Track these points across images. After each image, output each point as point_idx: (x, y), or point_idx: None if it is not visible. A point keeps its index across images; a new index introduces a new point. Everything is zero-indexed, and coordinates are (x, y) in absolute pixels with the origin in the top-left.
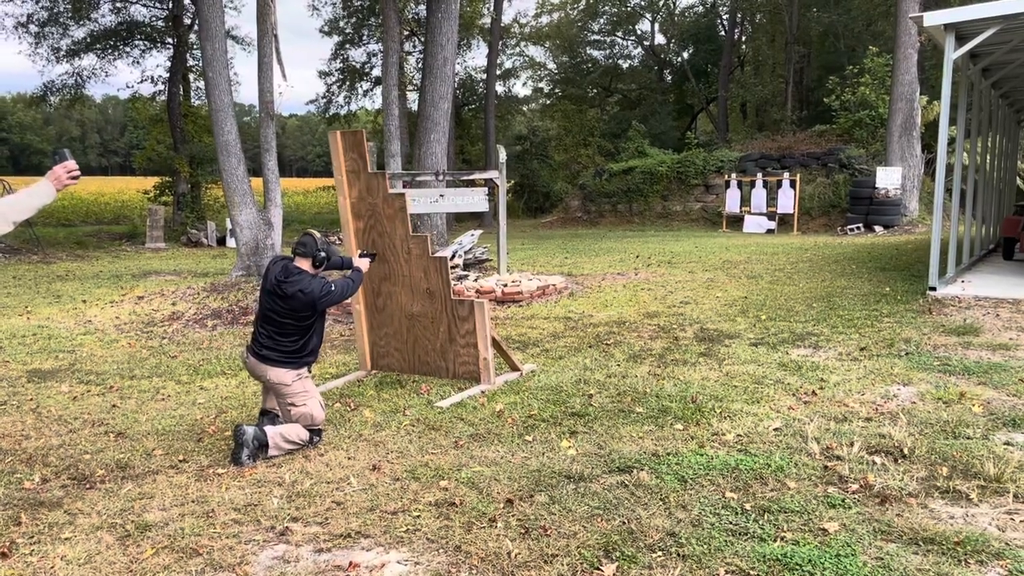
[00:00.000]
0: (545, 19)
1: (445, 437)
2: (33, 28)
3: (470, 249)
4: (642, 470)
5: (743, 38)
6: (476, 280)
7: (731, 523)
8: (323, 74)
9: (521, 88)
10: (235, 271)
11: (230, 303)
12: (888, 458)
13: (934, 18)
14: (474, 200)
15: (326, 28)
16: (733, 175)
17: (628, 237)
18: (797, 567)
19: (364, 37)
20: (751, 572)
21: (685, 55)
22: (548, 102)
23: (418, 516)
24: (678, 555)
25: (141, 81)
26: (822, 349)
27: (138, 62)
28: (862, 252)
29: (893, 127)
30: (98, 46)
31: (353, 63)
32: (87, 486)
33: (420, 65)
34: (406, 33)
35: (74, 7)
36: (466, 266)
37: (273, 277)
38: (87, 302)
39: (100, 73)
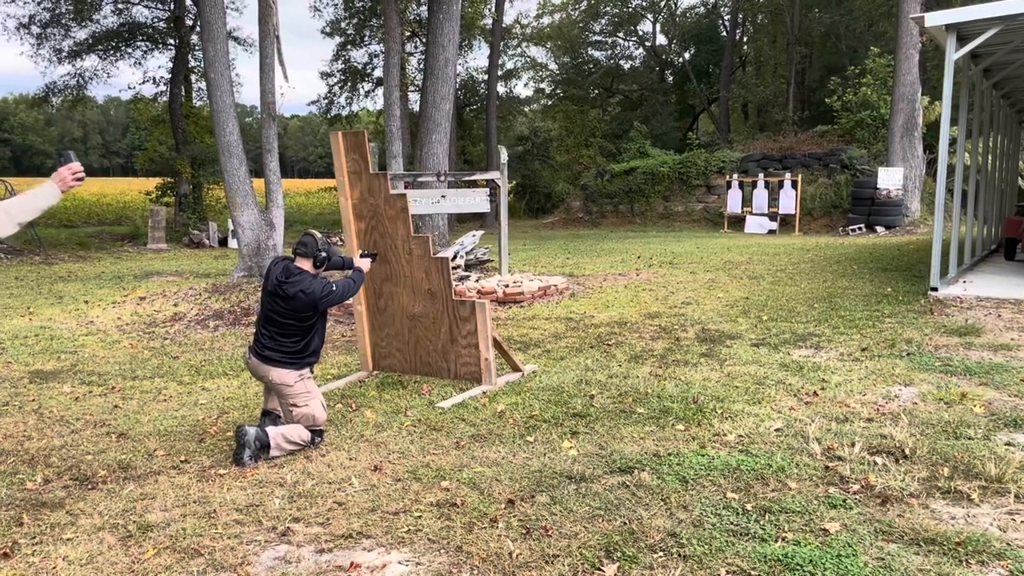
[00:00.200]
0: (546, 20)
1: (447, 438)
2: (35, 29)
3: (471, 250)
4: (643, 470)
5: (745, 39)
6: (477, 281)
7: (732, 523)
8: (325, 75)
9: (522, 89)
10: (237, 272)
11: (232, 304)
12: (889, 458)
13: (935, 19)
14: (476, 201)
15: (328, 29)
16: (735, 176)
17: (629, 238)
18: (798, 567)
19: (366, 38)
20: (752, 572)
21: (687, 56)
22: (549, 103)
23: (419, 516)
24: (679, 555)
25: (143, 82)
26: (823, 350)
27: (140, 63)
28: (864, 253)
29: (895, 127)
30: (100, 47)
31: (355, 64)
32: (89, 487)
33: (422, 66)
34: (408, 34)
35: (76, 8)
36: (467, 267)
37: (274, 278)
38: (89, 303)
39: (102, 74)
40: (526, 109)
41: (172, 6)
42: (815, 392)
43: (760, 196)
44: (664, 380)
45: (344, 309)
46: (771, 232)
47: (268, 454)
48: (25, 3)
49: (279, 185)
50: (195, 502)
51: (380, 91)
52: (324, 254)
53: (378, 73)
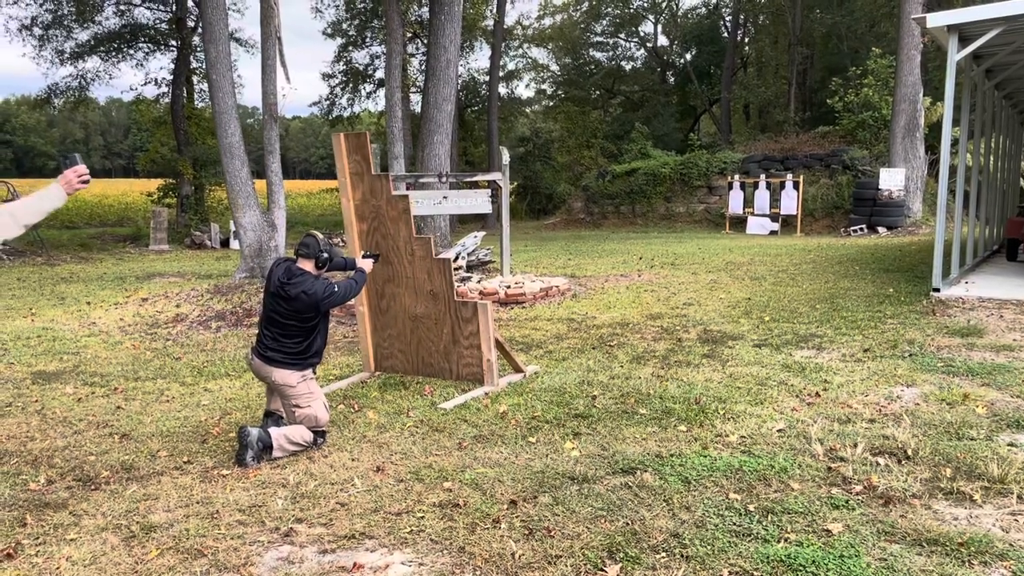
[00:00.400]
0: (548, 21)
1: (449, 438)
2: (37, 31)
3: (473, 251)
4: (646, 471)
5: (746, 39)
6: (479, 282)
7: (735, 524)
8: (326, 76)
9: (524, 90)
10: (239, 273)
11: (234, 305)
12: (892, 459)
13: (937, 19)
14: (477, 202)
15: (329, 30)
16: (736, 176)
17: (631, 238)
18: (801, 568)
19: (367, 39)
20: (755, 573)
21: (688, 56)
22: (551, 104)
23: (422, 517)
24: (682, 556)
25: (145, 83)
26: (825, 350)
27: (142, 64)
28: (865, 253)
29: (896, 128)
30: (102, 49)
31: (356, 65)
32: (92, 487)
33: (423, 67)
34: (409, 35)
35: (78, 10)
36: (469, 268)
37: (276, 279)
38: (91, 304)
39: (104, 75)
40: (527, 110)
41: (174, 8)
42: (817, 393)
43: (762, 197)
44: (666, 381)
45: (346, 310)
46: (773, 233)
47: (271, 455)
48: (27, 5)
49: (281, 186)
50: (198, 503)
51: (382, 92)
52: (326, 255)
53: (380, 74)
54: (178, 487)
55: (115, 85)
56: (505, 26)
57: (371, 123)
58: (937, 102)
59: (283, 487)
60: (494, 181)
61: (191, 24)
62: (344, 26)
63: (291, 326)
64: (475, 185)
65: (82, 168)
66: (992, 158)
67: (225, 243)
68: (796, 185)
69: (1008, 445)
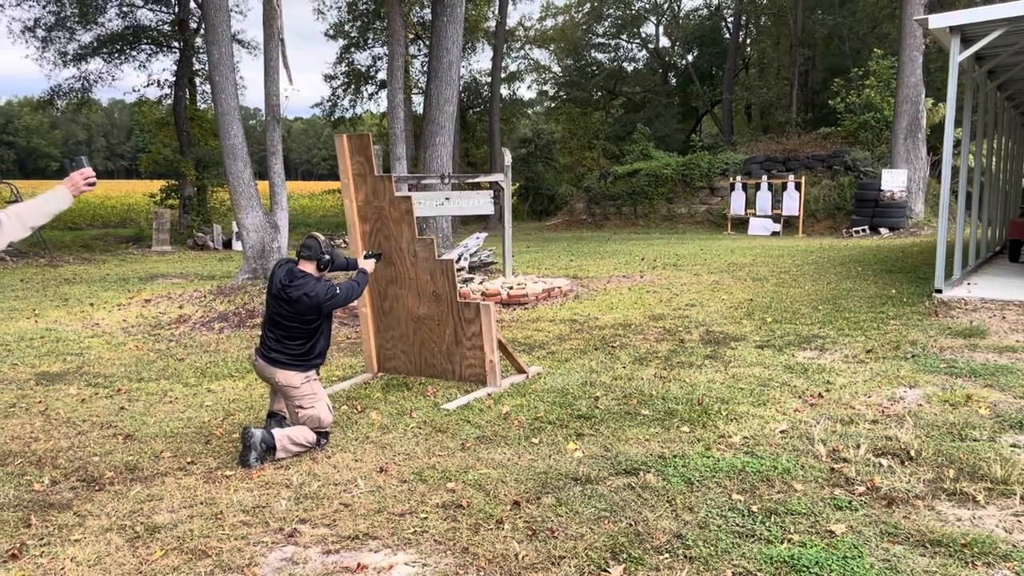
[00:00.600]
0: (549, 22)
1: (452, 439)
2: (40, 32)
3: (475, 252)
4: (648, 472)
5: (748, 41)
6: (481, 283)
7: (738, 525)
8: (328, 77)
9: (526, 91)
10: (241, 274)
11: (237, 306)
12: (895, 460)
13: (940, 20)
14: (479, 203)
15: (331, 32)
16: (738, 177)
17: (633, 240)
18: (804, 569)
19: (369, 41)
20: (758, 574)
21: (690, 58)
22: (553, 105)
23: (425, 518)
24: (685, 557)
25: (147, 85)
26: (828, 351)
27: (144, 66)
28: (868, 254)
29: (898, 129)
30: (105, 50)
31: (358, 67)
32: (96, 488)
33: (425, 68)
34: (411, 37)
35: (81, 12)
36: (471, 269)
37: (278, 281)
38: (94, 305)
39: (107, 77)
40: (529, 111)
41: (177, 9)
42: (820, 394)
43: (763, 198)
44: (669, 382)
45: (349, 311)
46: (775, 234)
47: (274, 456)
48: (30, 6)
49: (283, 187)
50: (202, 503)
51: (384, 94)
52: (327, 257)
53: (382, 76)
54: (182, 488)
55: (118, 87)
56: (507, 27)
57: (373, 124)
58: (939, 103)
59: (287, 488)
60: (496, 182)
61: (193, 26)
62: (346, 27)
63: (294, 328)
64: (477, 186)
65: (88, 170)
66: (994, 159)
67: (227, 244)
68: (798, 186)
69: (1011, 446)
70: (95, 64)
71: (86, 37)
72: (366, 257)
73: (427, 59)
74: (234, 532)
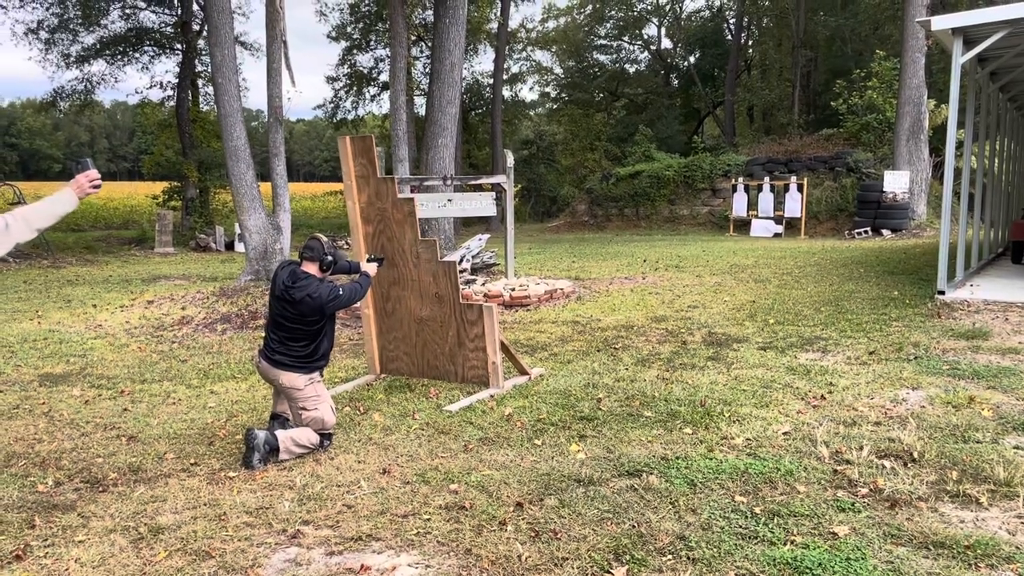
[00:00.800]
0: (552, 24)
1: (454, 441)
2: (43, 34)
3: (478, 253)
4: (651, 474)
5: (750, 42)
6: (484, 284)
7: (741, 527)
8: (331, 79)
9: (528, 93)
10: (244, 275)
11: (239, 307)
12: (898, 462)
13: (942, 22)
14: (482, 204)
15: (334, 34)
16: (740, 179)
17: (635, 241)
18: (807, 571)
19: (372, 42)
20: None
21: (692, 59)
22: (555, 107)
23: (428, 519)
24: (688, 559)
25: (150, 87)
26: (831, 353)
27: (147, 68)
28: (870, 256)
29: (901, 131)
30: (108, 52)
31: (361, 68)
32: (100, 489)
33: (427, 70)
34: (413, 38)
35: (84, 14)
36: (474, 270)
37: (281, 283)
38: (97, 306)
39: (109, 79)
40: (531, 113)
41: (179, 11)
42: (823, 396)
43: (766, 199)
44: (671, 383)
45: (352, 313)
46: (777, 235)
47: (277, 457)
48: (34, 8)
49: (286, 189)
50: (205, 505)
51: (386, 95)
52: (330, 258)
53: (384, 77)
54: (185, 489)
55: (120, 88)
56: (509, 29)
57: (375, 126)
58: (941, 104)
59: (290, 489)
60: (498, 184)
61: (196, 28)
62: (348, 29)
63: (297, 329)
64: (479, 188)
65: (94, 173)
66: (997, 160)
67: (230, 246)
68: (800, 188)
69: (1014, 448)
70: (98, 66)
71: (89, 39)
72: (369, 260)
73: (429, 61)
74: (237, 533)
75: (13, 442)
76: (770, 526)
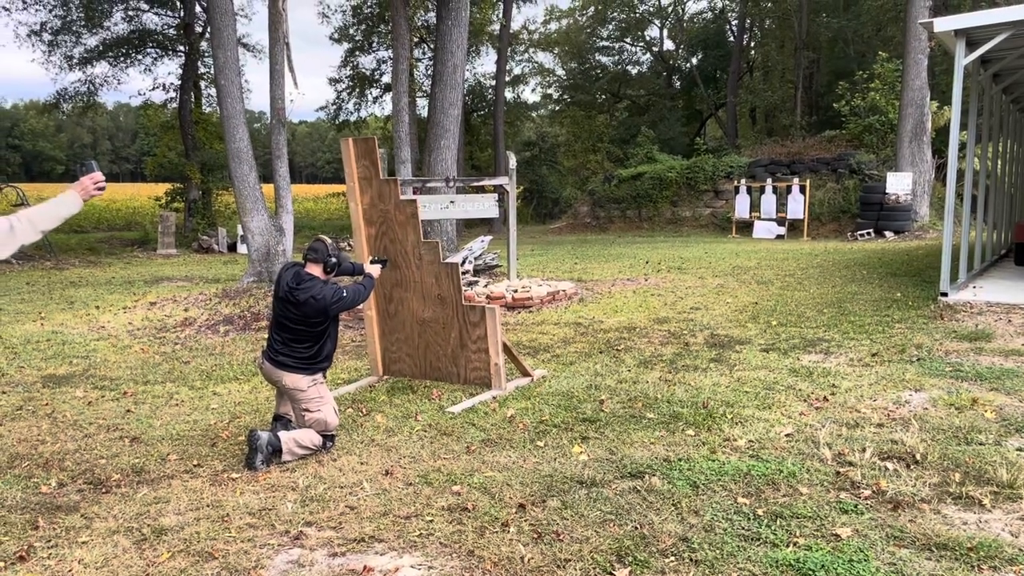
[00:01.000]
0: (554, 25)
1: (457, 442)
2: (46, 36)
3: (480, 255)
4: (654, 475)
5: (752, 44)
6: (486, 286)
7: (743, 528)
8: (333, 81)
9: (530, 94)
10: (246, 277)
11: (242, 309)
12: (900, 464)
13: (944, 24)
14: (484, 206)
15: (336, 35)
16: (743, 181)
17: (637, 243)
18: (810, 573)
19: (374, 44)
20: None
21: (694, 61)
22: (557, 108)
23: (431, 521)
24: (691, 560)
25: (153, 88)
26: (833, 355)
27: (150, 70)
28: (873, 258)
29: (903, 132)
30: (110, 54)
31: (363, 70)
32: (103, 490)
33: (430, 72)
34: (416, 40)
35: (87, 16)
36: (476, 272)
37: (285, 284)
38: (100, 308)
39: (112, 81)
40: (533, 114)
41: (182, 13)
42: (825, 397)
43: (768, 201)
44: (674, 385)
45: (354, 314)
46: (779, 237)
47: (280, 458)
48: (37, 10)
49: (288, 190)
50: (208, 506)
51: (388, 97)
52: (334, 260)
53: (386, 79)
54: (188, 490)
55: (123, 90)
56: (511, 31)
57: (377, 128)
58: (944, 106)
59: (292, 490)
60: (501, 185)
61: (199, 29)
62: (351, 31)
63: (301, 331)
64: (482, 189)
65: (98, 175)
66: (1000, 162)
67: (232, 247)
68: (803, 189)
69: (1017, 450)
70: (101, 68)
71: (92, 41)
72: (372, 262)
73: (432, 63)
74: (240, 534)
75: (16, 443)
76: (773, 528)
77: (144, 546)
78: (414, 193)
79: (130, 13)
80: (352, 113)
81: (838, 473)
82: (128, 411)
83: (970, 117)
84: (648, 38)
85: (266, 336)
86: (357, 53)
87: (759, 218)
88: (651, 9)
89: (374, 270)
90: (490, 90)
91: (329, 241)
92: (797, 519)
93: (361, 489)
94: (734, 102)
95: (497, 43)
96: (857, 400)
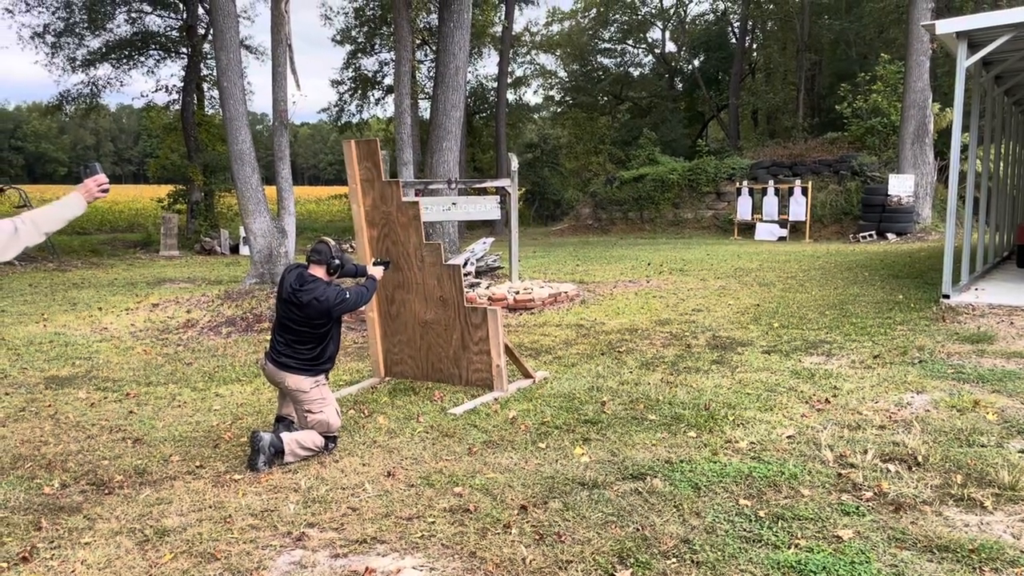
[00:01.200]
0: (556, 27)
1: (459, 444)
2: (49, 38)
3: (482, 257)
4: (655, 477)
5: (754, 45)
6: (488, 288)
7: (745, 530)
8: (335, 83)
9: (532, 96)
10: (249, 279)
11: (244, 311)
12: (902, 466)
13: (946, 26)
14: (486, 208)
15: (338, 37)
16: (745, 182)
17: (639, 245)
18: (811, 574)
19: (376, 46)
20: None
21: (696, 63)
22: (559, 110)
23: (433, 522)
24: (692, 562)
25: (155, 90)
26: (835, 357)
27: (153, 72)
28: (875, 260)
29: (905, 134)
30: (113, 56)
31: (365, 72)
32: (106, 491)
33: (432, 74)
34: (418, 42)
35: (90, 18)
36: (478, 274)
37: (288, 286)
38: (103, 309)
39: (115, 82)
40: (535, 116)
41: (185, 15)
42: (827, 399)
43: (770, 203)
44: (675, 387)
45: (356, 316)
46: (781, 239)
47: (282, 460)
48: (40, 13)
49: (291, 192)
50: (211, 507)
51: (390, 99)
52: (337, 261)
53: (388, 81)
54: (191, 491)
55: (126, 92)
56: (513, 33)
57: (380, 129)
58: (946, 108)
59: (295, 492)
60: (503, 187)
61: (201, 31)
62: (353, 33)
63: (304, 332)
64: (484, 191)
65: (102, 177)
66: (1002, 164)
67: (235, 249)
68: (805, 191)
69: (1019, 452)
70: (104, 69)
71: (95, 43)
72: (375, 264)
73: (434, 64)
74: (243, 536)
75: (19, 444)
76: (774, 530)
77: (147, 547)
78: (416, 195)
79: (133, 15)
80: (354, 115)
81: (840, 475)
82: (131, 412)
83: (972, 119)
84: (650, 40)
85: (268, 338)
86: (359, 55)
87: (761, 220)
88: (653, 11)
89: (377, 272)
90: (492, 92)
91: (332, 243)
92: (799, 521)
93: (363, 490)
94: (736, 104)
95: (499, 45)
96: (859, 402)
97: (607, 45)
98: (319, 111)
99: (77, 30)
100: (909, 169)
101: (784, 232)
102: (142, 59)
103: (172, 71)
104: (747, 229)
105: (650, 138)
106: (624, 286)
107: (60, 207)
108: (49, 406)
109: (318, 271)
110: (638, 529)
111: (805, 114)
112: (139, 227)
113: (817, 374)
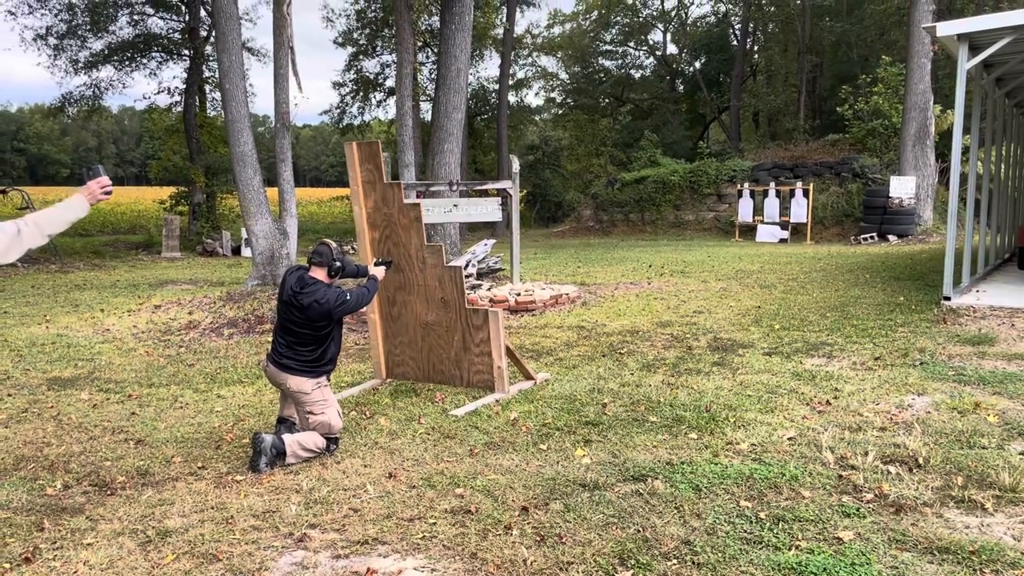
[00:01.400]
0: (557, 30)
1: (460, 445)
2: (52, 40)
3: (483, 259)
4: (656, 479)
5: (755, 48)
6: (490, 289)
7: (746, 532)
8: (337, 85)
9: (533, 98)
10: (250, 280)
11: (246, 312)
12: (903, 467)
13: (948, 28)
14: (487, 210)
15: (340, 40)
16: (746, 184)
17: (640, 246)
18: None
19: (378, 48)
20: None
21: (697, 65)
22: (560, 112)
23: (434, 523)
24: (693, 563)
25: (158, 92)
26: (836, 359)
27: (155, 74)
28: (876, 261)
29: (907, 136)
30: (115, 58)
31: (367, 74)
32: (108, 492)
33: (433, 76)
34: (419, 44)
35: (92, 20)
36: (479, 275)
37: (289, 288)
38: (105, 311)
39: (117, 84)
40: (537, 118)
41: (187, 17)
42: (828, 401)
43: (771, 205)
44: (676, 389)
45: (358, 317)
46: (782, 241)
47: (284, 461)
48: (43, 15)
49: (292, 194)
50: (213, 508)
51: (392, 101)
52: (338, 263)
53: (390, 83)
54: (193, 492)
55: (128, 94)
56: (515, 35)
57: (381, 131)
58: (947, 110)
59: (296, 493)
60: (504, 189)
61: (204, 34)
62: (355, 35)
63: (305, 334)
64: (485, 193)
65: (105, 179)
66: (1003, 166)
67: (236, 251)
68: (806, 193)
69: (1019, 454)
70: (106, 72)
71: (97, 45)
72: (376, 264)
73: (435, 66)
74: (245, 537)
75: (22, 445)
76: (775, 531)
77: (149, 548)
78: (417, 197)
79: (135, 17)
80: (356, 117)
81: (840, 477)
82: (133, 414)
83: (973, 121)
84: (651, 42)
85: (270, 339)
86: (361, 57)
87: (762, 222)
88: (654, 13)
89: (378, 272)
90: (493, 94)
91: (333, 244)
92: (799, 522)
93: (364, 491)
94: (737, 106)
95: (500, 47)
96: (860, 404)
97: (608, 47)
98: (321, 113)
99: (80, 32)
100: (910, 171)
101: (785, 234)
102: (144, 61)
103: (174, 73)
104: (748, 231)
105: (651, 140)
106: (625, 288)
107: (63, 209)
108: (51, 407)
109: (319, 273)
110: (639, 530)
111: (806, 116)
112: (141, 229)
113: (818, 376)
